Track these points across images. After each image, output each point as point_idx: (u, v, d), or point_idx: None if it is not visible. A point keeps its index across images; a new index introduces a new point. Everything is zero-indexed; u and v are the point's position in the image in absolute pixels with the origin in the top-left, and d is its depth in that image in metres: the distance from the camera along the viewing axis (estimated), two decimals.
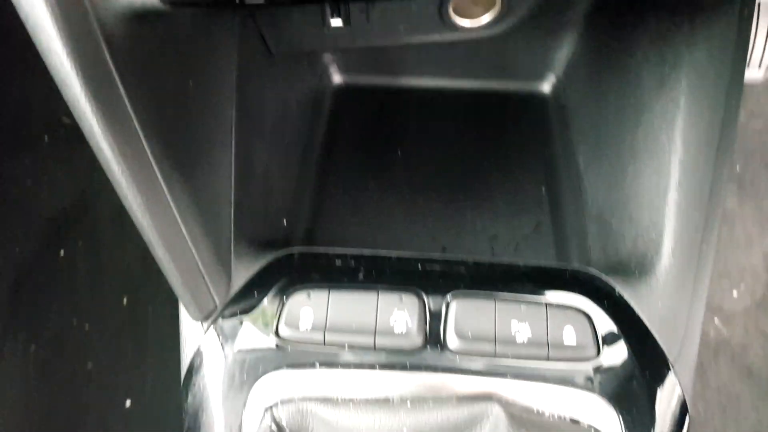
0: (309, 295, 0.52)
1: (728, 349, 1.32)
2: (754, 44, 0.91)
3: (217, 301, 0.53)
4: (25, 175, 1.45)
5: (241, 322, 0.53)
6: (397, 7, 0.66)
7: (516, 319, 0.50)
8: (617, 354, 0.50)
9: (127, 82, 0.40)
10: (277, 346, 0.51)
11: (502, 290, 0.52)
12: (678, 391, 0.51)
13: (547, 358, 0.49)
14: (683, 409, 0.50)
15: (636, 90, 0.62)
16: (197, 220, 0.49)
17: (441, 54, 0.90)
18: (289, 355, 0.50)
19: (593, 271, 0.56)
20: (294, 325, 0.51)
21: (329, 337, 0.51)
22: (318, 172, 0.82)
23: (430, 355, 0.50)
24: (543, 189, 0.79)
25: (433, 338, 0.51)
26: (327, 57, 0.91)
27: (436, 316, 0.51)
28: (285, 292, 0.53)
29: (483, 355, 0.50)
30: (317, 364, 0.50)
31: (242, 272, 0.55)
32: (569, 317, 0.51)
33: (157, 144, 0.43)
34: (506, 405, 0.47)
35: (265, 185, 0.66)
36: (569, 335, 0.50)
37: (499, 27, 0.65)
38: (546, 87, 0.91)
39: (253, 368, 0.50)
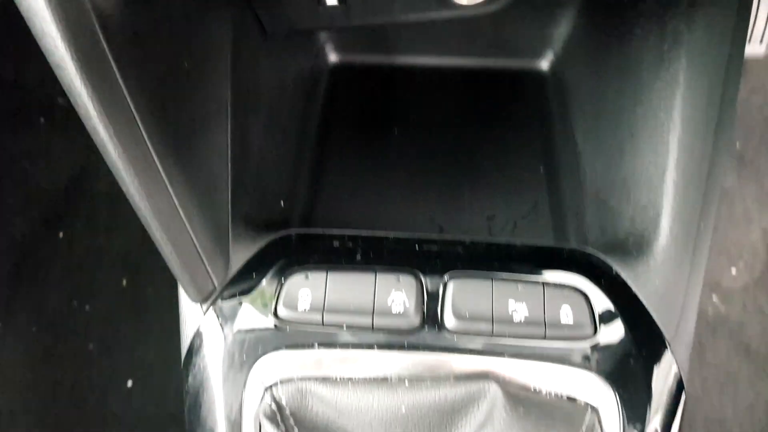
0: (307, 277, 0.52)
1: (726, 326, 1.33)
2: (755, 19, 0.90)
3: (216, 283, 0.53)
4: (23, 157, 1.45)
5: (240, 304, 0.53)
6: None
7: (513, 299, 0.51)
8: (614, 332, 0.50)
9: (121, 64, 0.39)
10: (275, 326, 0.51)
11: (499, 270, 0.53)
12: (674, 369, 0.51)
13: (544, 337, 0.50)
14: (680, 387, 0.51)
15: (635, 68, 0.61)
16: (194, 202, 0.49)
17: (438, 32, 0.89)
18: (288, 336, 0.51)
19: (590, 250, 0.56)
20: (292, 306, 0.51)
21: (328, 318, 0.51)
22: (315, 153, 0.82)
23: (428, 335, 0.50)
24: (541, 168, 0.79)
25: (431, 318, 0.51)
26: (323, 36, 0.90)
27: (433, 296, 0.52)
28: (283, 273, 0.53)
29: (480, 334, 0.50)
30: (316, 345, 0.50)
31: (240, 254, 0.55)
32: (566, 296, 0.51)
33: (153, 126, 0.43)
34: (503, 383, 0.47)
35: (261, 166, 0.66)
36: (566, 314, 0.50)
37: (496, 4, 0.64)
38: (544, 64, 0.91)
39: (252, 349, 0.51)
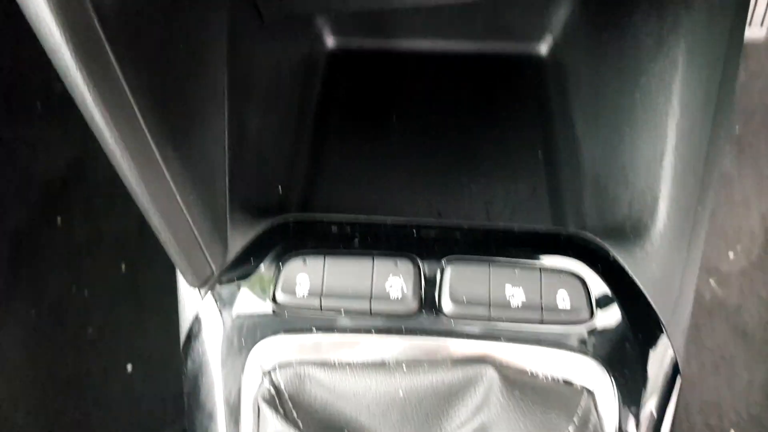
0: (305, 262, 0.53)
1: (723, 310, 1.33)
2: (755, 2, 0.90)
3: (214, 268, 0.53)
4: (20, 142, 1.45)
5: (238, 289, 0.53)
6: None
7: (510, 284, 0.51)
8: (610, 317, 0.51)
9: (117, 49, 0.39)
10: (274, 311, 0.51)
11: (497, 255, 0.53)
12: (670, 353, 0.51)
13: (541, 322, 0.50)
14: (675, 370, 0.51)
15: (634, 52, 0.61)
16: (192, 188, 0.49)
17: (436, 16, 0.89)
18: (286, 321, 0.51)
19: (588, 235, 0.56)
20: (290, 291, 0.52)
21: (326, 303, 0.51)
22: (312, 138, 0.82)
23: (426, 320, 0.51)
24: (539, 153, 0.79)
25: (428, 303, 0.51)
26: (320, 20, 0.89)
27: (431, 281, 0.52)
28: (281, 258, 0.53)
29: (477, 318, 0.50)
30: (314, 329, 0.50)
31: (238, 239, 0.55)
32: (563, 281, 0.51)
33: (150, 112, 0.43)
34: (500, 368, 0.47)
35: (259, 152, 0.66)
36: (563, 299, 0.50)
37: None
38: (543, 49, 0.90)
39: (251, 333, 0.51)
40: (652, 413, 0.49)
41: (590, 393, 0.48)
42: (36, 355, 1.30)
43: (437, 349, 0.49)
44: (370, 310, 0.51)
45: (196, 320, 0.54)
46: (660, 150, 0.54)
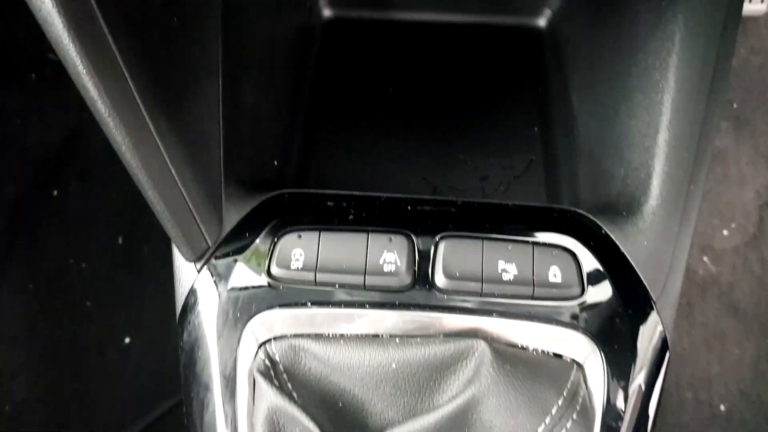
0: (300, 236, 0.53)
1: (716, 286, 1.34)
2: None
3: (209, 242, 0.53)
4: (14, 114, 1.44)
5: (234, 263, 0.53)
6: None
7: (503, 259, 0.51)
8: (601, 292, 0.51)
9: (110, 20, 0.39)
10: (269, 285, 0.52)
11: (490, 230, 0.53)
12: (660, 329, 0.52)
13: (532, 297, 0.50)
14: (664, 345, 0.52)
15: (632, 26, 0.60)
16: (186, 161, 0.49)
17: None
18: (281, 294, 0.51)
19: (581, 211, 0.56)
20: (285, 265, 0.52)
21: (320, 277, 0.51)
22: (308, 111, 0.81)
23: (419, 294, 0.51)
24: (536, 128, 0.79)
25: (422, 278, 0.51)
26: None
27: (424, 257, 0.52)
28: (276, 232, 0.53)
29: (470, 293, 0.51)
30: (309, 303, 0.51)
31: (233, 213, 0.55)
32: (555, 257, 0.51)
33: (143, 84, 0.43)
34: (491, 341, 0.48)
35: (254, 124, 0.65)
36: (555, 274, 0.51)
37: None
38: (541, 21, 0.90)
39: (246, 307, 0.51)
40: (640, 387, 0.50)
41: (580, 367, 0.49)
42: (34, 327, 1.31)
43: (430, 323, 0.50)
44: (364, 284, 0.51)
45: (192, 293, 0.54)
46: (654, 125, 0.54)
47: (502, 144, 0.77)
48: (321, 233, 0.53)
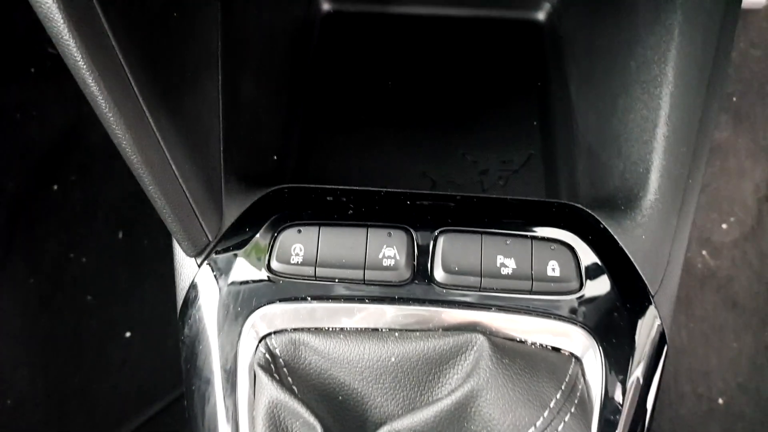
0: (300, 231, 0.53)
1: (714, 280, 1.34)
2: None
3: (210, 237, 0.53)
4: (13, 108, 1.43)
5: (234, 258, 0.53)
6: None
7: (501, 254, 0.51)
8: (600, 287, 0.51)
9: (110, 15, 0.39)
10: (269, 279, 0.52)
11: (489, 225, 0.53)
12: (657, 322, 0.52)
13: (531, 291, 0.51)
14: (662, 339, 0.52)
15: (631, 20, 0.60)
16: (186, 156, 0.49)
17: None
18: (281, 289, 0.52)
19: (579, 205, 0.56)
20: (285, 260, 0.52)
21: (320, 272, 0.52)
22: (307, 106, 0.81)
23: (418, 288, 0.51)
24: (535, 122, 0.79)
25: (421, 272, 0.52)
26: None
27: (423, 251, 0.52)
28: (276, 227, 0.54)
29: (469, 288, 0.51)
30: (309, 297, 0.51)
31: (233, 208, 0.56)
32: (554, 251, 0.52)
33: (143, 78, 0.43)
34: (490, 335, 0.48)
35: (253, 119, 0.65)
36: (553, 269, 0.51)
37: None
38: (541, 15, 0.89)
39: (246, 301, 0.52)
40: (638, 381, 0.50)
41: (578, 361, 0.49)
42: (35, 321, 1.31)
43: (429, 318, 0.50)
44: (364, 279, 0.51)
45: (193, 288, 0.54)
46: (653, 119, 0.54)
47: (501, 138, 0.77)
48: (321, 228, 0.53)
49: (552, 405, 0.46)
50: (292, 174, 0.75)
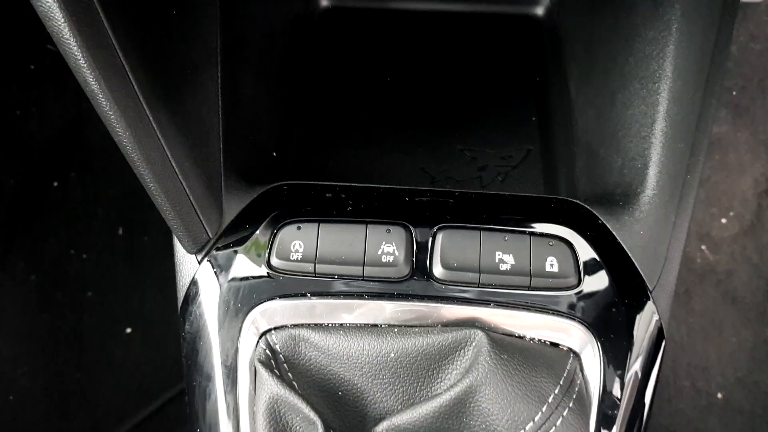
0: (299, 228, 0.53)
1: (714, 275, 1.35)
2: None
3: (210, 234, 0.54)
4: (13, 105, 1.43)
5: (234, 254, 0.54)
6: None
7: (500, 250, 0.52)
8: (598, 282, 0.51)
9: (110, 13, 0.39)
10: (269, 276, 0.52)
11: (488, 221, 0.53)
12: (655, 317, 0.52)
13: (529, 287, 0.51)
14: (660, 334, 0.52)
15: (629, 15, 0.60)
16: (186, 153, 0.49)
17: None
18: (281, 285, 0.52)
19: (577, 201, 0.57)
20: (285, 256, 0.52)
21: (319, 268, 0.52)
22: (307, 102, 0.81)
23: (417, 285, 0.51)
24: (534, 118, 0.79)
25: (420, 268, 0.52)
26: None
27: (422, 247, 0.53)
28: (276, 224, 0.54)
29: (467, 284, 0.51)
30: (308, 294, 0.51)
31: (233, 205, 0.56)
32: (552, 247, 0.52)
33: (143, 76, 0.43)
34: (489, 331, 0.49)
35: (253, 116, 0.66)
36: (551, 265, 0.51)
37: None
38: (539, 10, 0.89)
39: (247, 297, 0.52)
40: (636, 375, 0.51)
41: (576, 356, 0.50)
42: (36, 318, 1.32)
43: (428, 313, 0.50)
44: (363, 275, 0.51)
45: (194, 284, 0.55)
46: (651, 115, 0.54)
47: (500, 134, 0.77)
48: (320, 225, 0.53)
49: (550, 400, 0.46)
50: (292, 171, 0.75)
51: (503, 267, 0.51)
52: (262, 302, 0.51)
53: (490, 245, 0.52)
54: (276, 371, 0.48)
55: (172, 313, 0.58)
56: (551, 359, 0.48)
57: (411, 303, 0.51)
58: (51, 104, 1.45)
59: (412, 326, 0.50)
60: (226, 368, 0.51)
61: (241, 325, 0.51)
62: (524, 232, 0.53)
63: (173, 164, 0.47)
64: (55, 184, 1.41)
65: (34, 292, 1.33)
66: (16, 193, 1.39)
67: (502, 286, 0.51)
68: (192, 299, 0.54)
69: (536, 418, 0.45)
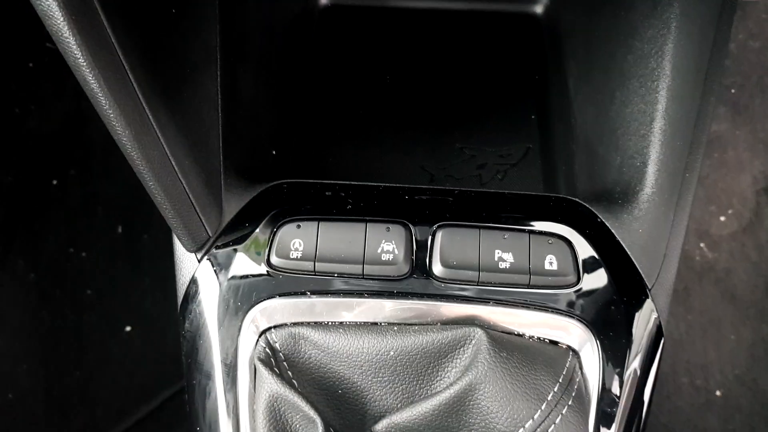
0: (299, 226, 0.53)
1: (713, 273, 1.35)
2: None
3: (210, 232, 0.54)
4: (12, 102, 1.43)
5: (234, 253, 0.54)
6: None
7: (499, 248, 0.52)
8: (597, 280, 0.52)
9: (109, 12, 0.39)
10: (269, 274, 0.52)
11: (487, 219, 0.53)
12: (654, 315, 0.53)
13: (529, 285, 0.51)
14: (659, 332, 0.53)
15: (629, 14, 0.61)
16: (185, 151, 0.49)
17: None
18: (281, 283, 0.52)
19: (577, 199, 0.57)
20: (285, 255, 0.52)
21: (319, 266, 0.52)
22: (306, 100, 0.81)
23: (416, 283, 0.52)
24: (533, 116, 0.79)
25: (419, 266, 0.52)
26: None
27: (422, 246, 0.53)
28: (275, 223, 0.54)
29: (467, 282, 0.51)
30: (308, 292, 0.51)
31: (233, 203, 0.56)
32: (551, 245, 0.52)
33: (143, 75, 0.43)
34: (488, 329, 0.49)
35: (252, 114, 0.66)
36: (551, 263, 0.51)
37: None
38: (539, 8, 0.89)
39: (246, 296, 0.52)
40: (635, 373, 0.51)
41: (576, 354, 0.50)
42: (36, 316, 1.32)
43: (428, 311, 0.51)
44: (363, 273, 0.52)
45: (193, 283, 0.55)
46: (650, 113, 0.54)
47: (499, 132, 0.78)
48: (320, 223, 0.53)
49: (550, 398, 0.46)
50: (291, 169, 0.75)
51: (502, 265, 0.51)
52: (261, 300, 0.51)
53: (490, 243, 0.52)
54: (276, 369, 0.49)
55: (172, 312, 0.58)
56: (550, 357, 0.49)
57: (410, 301, 0.51)
58: (50, 102, 1.45)
59: (411, 324, 0.50)
60: (225, 366, 0.52)
61: (241, 323, 0.51)
62: (523, 231, 0.53)
63: (173, 163, 0.47)
64: (55, 182, 1.41)
65: (34, 290, 1.33)
66: (15, 191, 1.39)
67: (501, 284, 0.51)
68: (192, 298, 0.55)
69: (536, 416, 0.46)
